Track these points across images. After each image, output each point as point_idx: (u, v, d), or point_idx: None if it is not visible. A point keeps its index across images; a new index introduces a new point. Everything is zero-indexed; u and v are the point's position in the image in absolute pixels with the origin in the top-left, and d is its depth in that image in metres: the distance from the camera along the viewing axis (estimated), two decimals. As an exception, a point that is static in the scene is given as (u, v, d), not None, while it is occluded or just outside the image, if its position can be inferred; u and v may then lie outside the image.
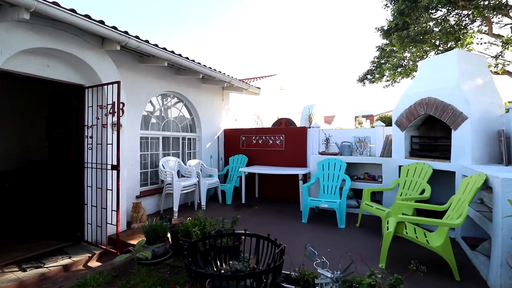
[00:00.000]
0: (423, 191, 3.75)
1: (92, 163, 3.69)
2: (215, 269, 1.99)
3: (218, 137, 6.87)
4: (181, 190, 4.83)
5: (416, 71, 8.17)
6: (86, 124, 3.75)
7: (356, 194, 5.16)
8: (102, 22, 3.27)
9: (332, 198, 4.68)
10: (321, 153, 5.49)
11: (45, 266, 3.07)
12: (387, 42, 9.63)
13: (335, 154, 5.29)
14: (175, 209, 4.70)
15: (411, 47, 8.64)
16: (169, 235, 3.30)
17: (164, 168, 5.06)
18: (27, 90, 5.70)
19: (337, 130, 6.07)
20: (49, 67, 3.34)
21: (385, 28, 9.25)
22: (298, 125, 7.54)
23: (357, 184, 4.97)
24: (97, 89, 3.67)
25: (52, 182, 4.14)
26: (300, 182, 5.19)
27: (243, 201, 5.72)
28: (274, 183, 6.26)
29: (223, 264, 2.20)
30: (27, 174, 5.31)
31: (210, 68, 5.30)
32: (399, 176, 4.38)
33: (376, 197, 5.01)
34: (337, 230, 4.11)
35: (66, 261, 3.23)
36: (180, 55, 4.53)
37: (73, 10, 2.94)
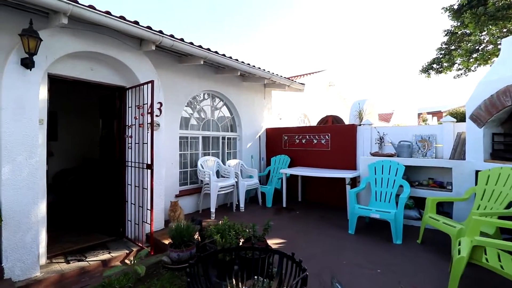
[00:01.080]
0: (510, 205, 2.90)
1: (132, 162, 3.80)
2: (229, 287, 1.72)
3: (259, 136, 6.63)
4: (219, 191, 4.72)
5: (497, 56, 6.69)
6: (127, 124, 3.88)
7: (418, 203, 4.36)
8: (136, 22, 3.31)
9: (386, 207, 4.01)
10: (373, 154, 4.81)
11: (87, 260, 3.21)
12: (458, 23, 8.16)
13: (391, 155, 4.57)
14: (212, 210, 4.62)
15: (490, 27, 7.13)
16: (199, 238, 3.16)
17: (202, 168, 5.02)
18: (86, 94, 6.29)
19: (393, 128, 5.26)
20: (92, 70, 3.51)
21: (455, 6, 7.85)
22: (347, 123, 6.85)
23: (419, 191, 4.19)
24: (135, 89, 3.76)
25: (101, 179, 4.42)
26: (348, 187, 4.62)
27: (284, 205, 5.37)
28: (318, 187, 5.75)
29: (241, 280, 1.92)
30: (83, 171, 5.85)
31: (249, 64, 5.09)
32: (476, 184, 3.51)
33: (444, 208, 4.15)
34: (391, 246, 3.47)
35: (106, 256, 3.34)
36: (216, 52, 4.42)
37: (108, 12, 3.00)
